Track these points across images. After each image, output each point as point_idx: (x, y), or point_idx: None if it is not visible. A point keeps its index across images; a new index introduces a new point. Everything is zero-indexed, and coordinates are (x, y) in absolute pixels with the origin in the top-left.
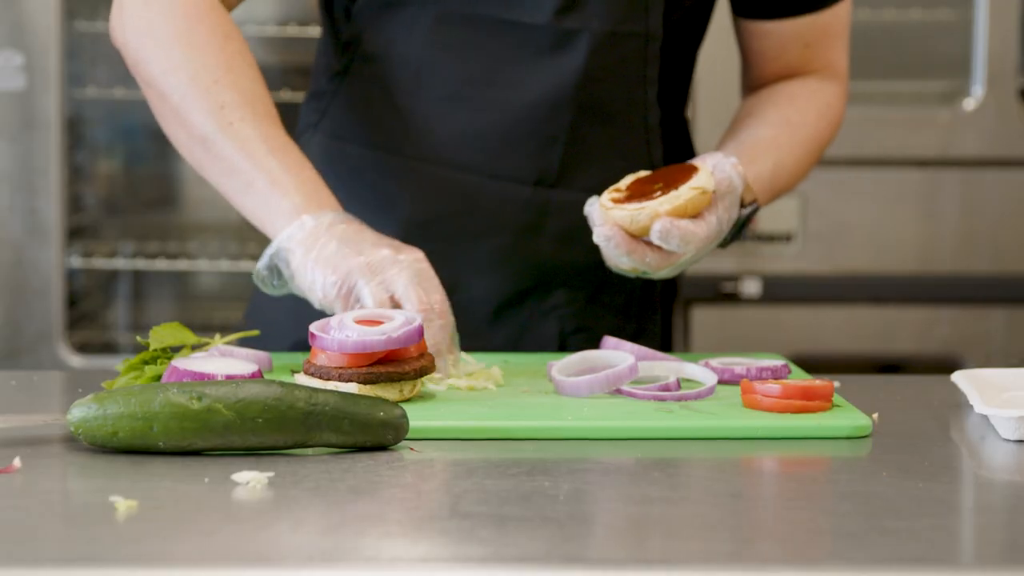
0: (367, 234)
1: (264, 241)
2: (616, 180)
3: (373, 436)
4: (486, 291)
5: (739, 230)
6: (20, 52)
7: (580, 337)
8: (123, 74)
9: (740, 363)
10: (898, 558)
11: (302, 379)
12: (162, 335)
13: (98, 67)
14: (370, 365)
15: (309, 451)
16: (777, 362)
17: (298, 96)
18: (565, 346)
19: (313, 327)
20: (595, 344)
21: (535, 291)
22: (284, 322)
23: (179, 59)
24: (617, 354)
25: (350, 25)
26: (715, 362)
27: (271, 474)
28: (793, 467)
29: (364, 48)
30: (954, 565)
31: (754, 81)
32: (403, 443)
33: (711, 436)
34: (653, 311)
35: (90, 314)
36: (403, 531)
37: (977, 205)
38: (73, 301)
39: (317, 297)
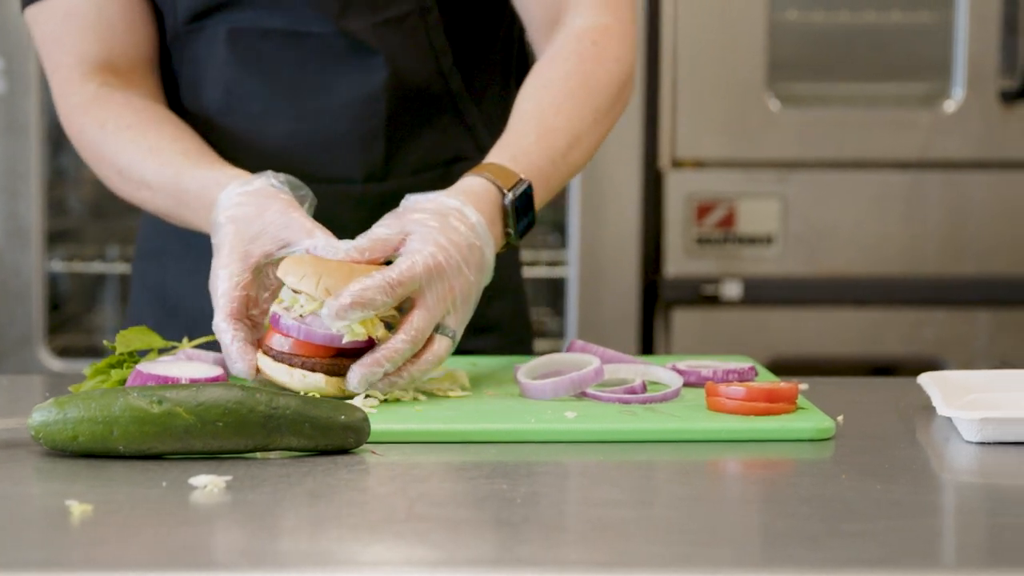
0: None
1: None
2: (440, 155)
3: (334, 439)
4: None
5: (526, 217)
6: (0, 56)
7: None
8: None
9: (707, 366)
10: (852, 560)
11: (264, 362)
12: (128, 339)
13: None
14: (333, 356)
15: (271, 455)
16: (744, 364)
17: None
18: None
19: (276, 308)
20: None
21: None
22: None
23: (105, 176)
24: (583, 357)
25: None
26: (682, 365)
27: (229, 478)
28: (755, 469)
29: (183, 75)
30: (906, 567)
31: (530, 27)
32: (365, 446)
33: (674, 439)
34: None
35: (73, 318)
36: (356, 534)
37: (958, 207)
38: (56, 305)
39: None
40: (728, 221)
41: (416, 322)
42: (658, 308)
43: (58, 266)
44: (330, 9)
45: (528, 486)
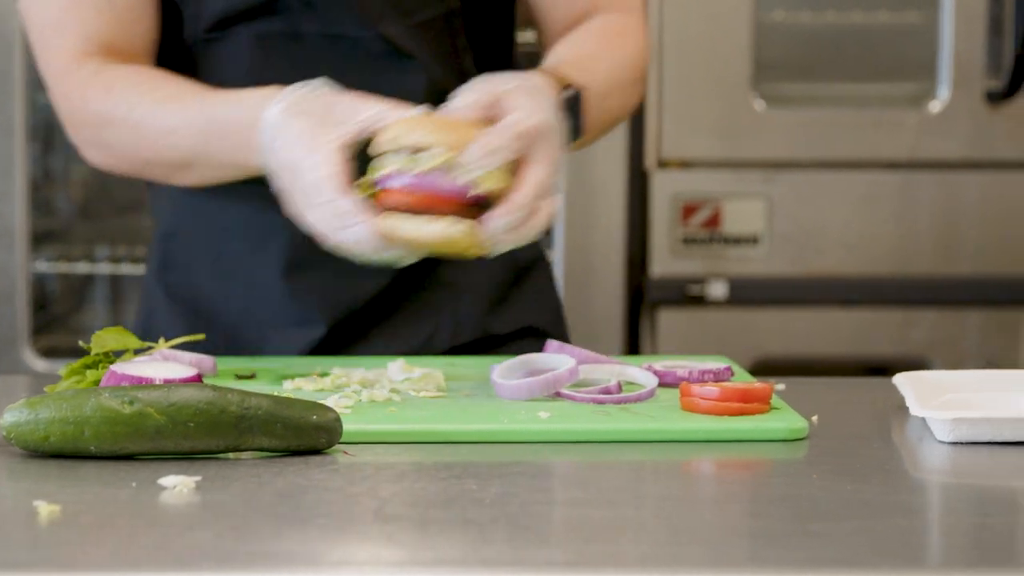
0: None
1: None
2: None
3: (306, 440)
4: (376, 297)
5: (575, 118)
6: None
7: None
8: None
9: (683, 366)
10: (815, 560)
11: (389, 222)
12: (104, 339)
13: None
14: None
15: (243, 455)
16: (720, 365)
17: None
18: (458, 321)
19: (385, 171)
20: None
21: (424, 283)
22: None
23: (116, 142)
24: (558, 357)
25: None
26: (658, 365)
27: (198, 478)
28: (726, 469)
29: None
30: (872, 567)
31: (549, 31)
32: (337, 447)
33: (647, 439)
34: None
35: (60, 319)
36: (322, 535)
37: (945, 207)
38: (42, 306)
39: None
40: (714, 221)
41: (539, 173)
42: (644, 308)
43: (43, 266)
44: (370, 12)
45: (498, 486)
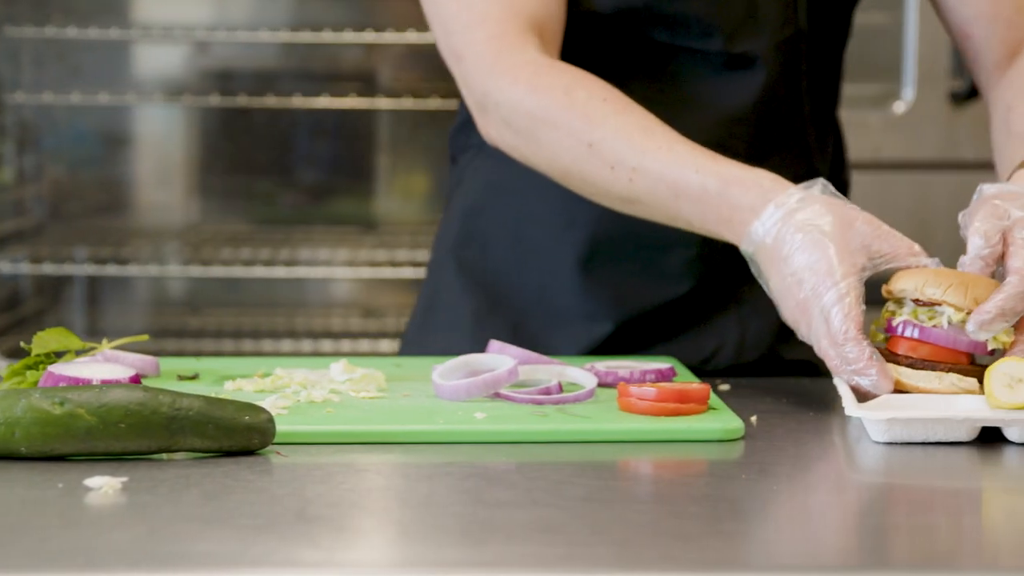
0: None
1: (200, 248)
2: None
3: (239, 440)
4: (669, 303)
5: None
6: None
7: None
8: (57, 79)
9: (626, 366)
10: (724, 560)
11: (903, 371)
12: (46, 340)
13: (43, 72)
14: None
15: (176, 456)
16: (663, 365)
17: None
18: (743, 343)
19: (901, 318)
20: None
21: (720, 298)
22: (466, 323)
23: (549, 144)
24: (499, 358)
25: None
26: (600, 365)
27: (124, 479)
28: (656, 470)
29: None
30: (772, 568)
31: (984, 59)
32: (271, 447)
33: (582, 439)
34: None
35: (31, 319)
36: (240, 535)
37: (908, 208)
38: (11, 306)
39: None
40: None
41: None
42: None
43: (6, 267)
44: (730, 31)
45: (426, 487)
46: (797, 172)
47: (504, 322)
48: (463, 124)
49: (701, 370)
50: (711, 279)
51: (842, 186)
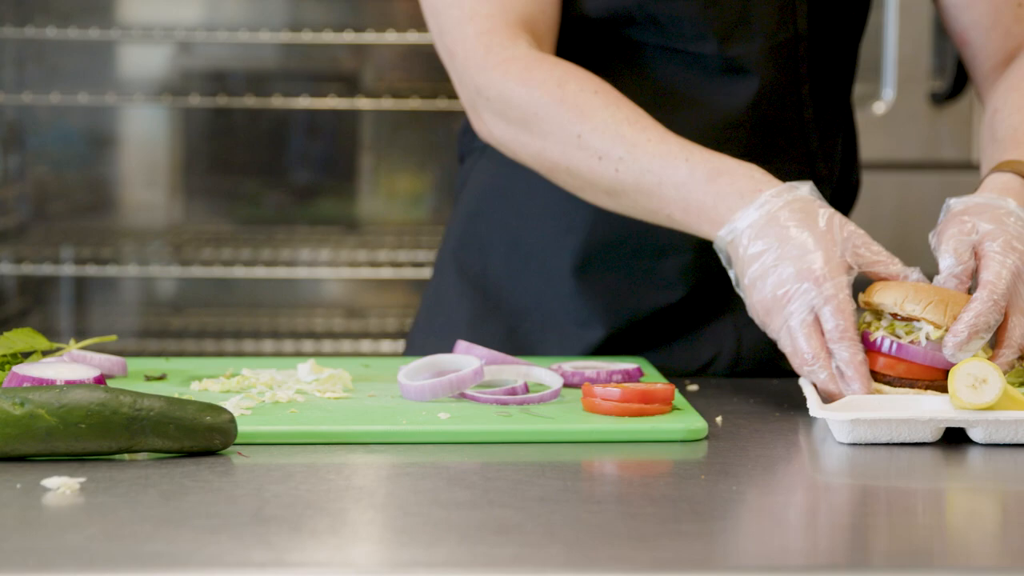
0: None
1: (185, 248)
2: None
3: (200, 441)
4: (662, 310)
5: None
6: None
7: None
8: (39, 80)
9: (593, 367)
10: (676, 561)
11: (881, 386)
12: (12, 340)
13: (26, 72)
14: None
15: (138, 456)
16: (630, 365)
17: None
18: (739, 353)
19: (880, 332)
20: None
21: (714, 305)
22: (463, 326)
23: (540, 137)
24: (464, 358)
25: None
26: (567, 366)
27: (83, 479)
28: (616, 471)
29: None
30: (726, 568)
31: (980, 64)
32: (233, 448)
33: (545, 440)
34: None
35: (15, 319)
36: (195, 536)
37: (889, 208)
38: None
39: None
40: None
41: (1020, 328)
42: None
43: None
44: (723, 34)
45: (385, 488)
46: (798, 178)
47: (499, 326)
48: (469, 124)
49: (701, 376)
50: (705, 286)
51: (851, 190)
